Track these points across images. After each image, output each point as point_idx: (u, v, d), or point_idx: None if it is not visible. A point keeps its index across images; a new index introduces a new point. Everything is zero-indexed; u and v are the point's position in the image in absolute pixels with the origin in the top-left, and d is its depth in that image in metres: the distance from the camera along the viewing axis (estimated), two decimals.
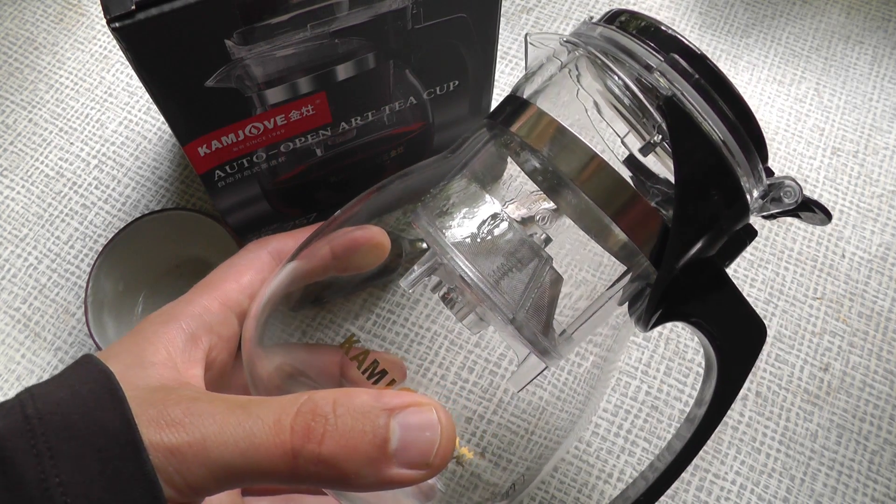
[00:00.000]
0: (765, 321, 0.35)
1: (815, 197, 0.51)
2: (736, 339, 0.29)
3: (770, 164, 0.52)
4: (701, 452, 0.43)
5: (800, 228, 0.50)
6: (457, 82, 0.42)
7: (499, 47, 0.43)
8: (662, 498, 0.42)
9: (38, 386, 0.23)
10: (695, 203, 0.26)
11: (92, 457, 0.21)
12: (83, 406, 0.22)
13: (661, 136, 0.26)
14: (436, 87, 0.41)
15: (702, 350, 0.41)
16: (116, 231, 0.44)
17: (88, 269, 0.46)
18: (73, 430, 0.21)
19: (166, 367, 0.25)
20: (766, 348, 0.46)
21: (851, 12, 0.58)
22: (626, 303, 0.30)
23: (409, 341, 0.45)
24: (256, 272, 0.30)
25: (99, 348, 0.40)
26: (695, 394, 0.44)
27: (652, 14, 0.57)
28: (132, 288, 0.45)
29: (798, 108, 0.54)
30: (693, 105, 0.26)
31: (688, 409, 0.44)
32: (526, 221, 0.32)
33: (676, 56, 0.26)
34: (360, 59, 0.36)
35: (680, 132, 0.25)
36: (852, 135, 0.53)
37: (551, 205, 0.31)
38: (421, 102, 0.42)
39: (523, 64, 0.55)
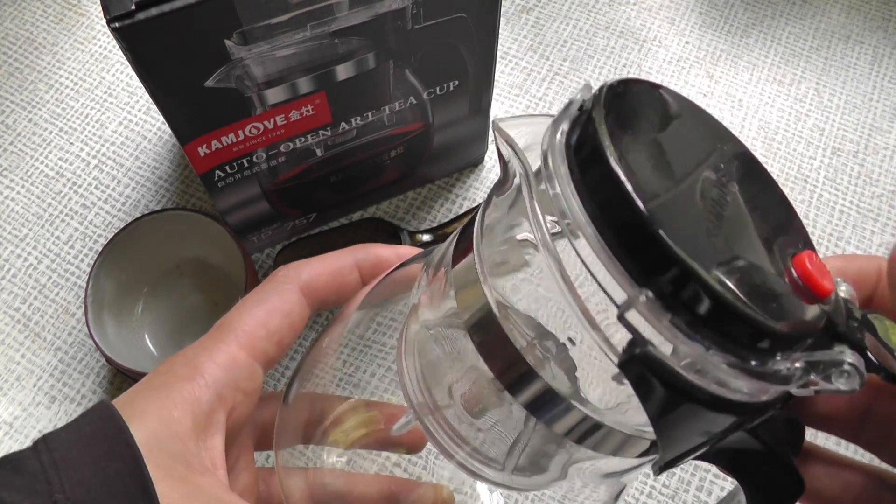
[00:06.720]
0: None
1: (815, 197, 0.51)
2: (770, 494, 0.25)
3: (770, 163, 0.52)
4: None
5: None
6: (457, 82, 0.42)
7: (499, 47, 0.43)
8: (662, 497, 0.42)
9: (64, 458, 0.23)
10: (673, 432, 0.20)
11: None
12: (112, 495, 0.22)
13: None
14: (436, 87, 0.41)
15: None
16: (116, 231, 0.44)
17: (88, 269, 0.46)
18: None
19: (191, 441, 0.25)
20: None
21: (851, 12, 0.58)
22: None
23: None
24: (285, 316, 0.29)
25: (99, 348, 0.40)
26: None
27: (652, 14, 0.57)
28: (132, 288, 0.45)
29: (798, 108, 0.54)
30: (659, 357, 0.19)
31: None
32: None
33: (650, 293, 0.18)
34: (360, 59, 0.36)
35: (646, 392, 0.19)
36: (852, 135, 0.53)
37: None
38: (421, 102, 0.42)
39: (522, 64, 0.55)
